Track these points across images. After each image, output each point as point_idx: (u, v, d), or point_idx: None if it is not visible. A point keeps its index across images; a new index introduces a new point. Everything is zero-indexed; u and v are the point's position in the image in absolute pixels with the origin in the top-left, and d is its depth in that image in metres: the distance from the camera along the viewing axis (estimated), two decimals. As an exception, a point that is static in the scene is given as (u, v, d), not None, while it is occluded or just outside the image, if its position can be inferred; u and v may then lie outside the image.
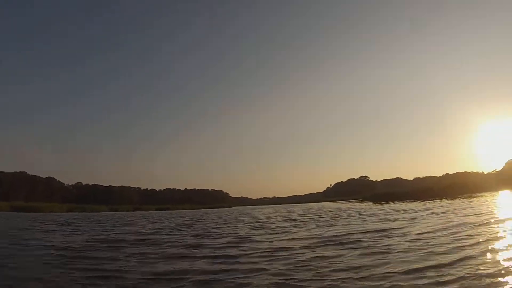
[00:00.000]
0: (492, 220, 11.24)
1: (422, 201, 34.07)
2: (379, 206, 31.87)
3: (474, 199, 28.25)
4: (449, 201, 28.24)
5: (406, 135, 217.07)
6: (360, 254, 6.87)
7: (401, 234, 9.57)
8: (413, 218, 14.72)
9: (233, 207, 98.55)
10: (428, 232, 9.49)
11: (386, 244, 7.94)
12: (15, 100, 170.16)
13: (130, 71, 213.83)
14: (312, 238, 9.94)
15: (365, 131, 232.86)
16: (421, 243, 7.72)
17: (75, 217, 30.55)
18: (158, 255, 7.74)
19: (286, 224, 16.14)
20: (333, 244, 8.45)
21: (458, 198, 33.05)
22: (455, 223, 11.32)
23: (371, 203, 45.53)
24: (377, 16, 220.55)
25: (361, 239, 9.01)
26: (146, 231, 14.58)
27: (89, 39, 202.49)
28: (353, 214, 22.01)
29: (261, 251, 7.89)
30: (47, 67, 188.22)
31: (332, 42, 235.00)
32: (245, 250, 8.13)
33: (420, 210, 20.42)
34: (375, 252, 7.01)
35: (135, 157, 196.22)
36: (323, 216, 21.59)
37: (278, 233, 11.93)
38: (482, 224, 10.43)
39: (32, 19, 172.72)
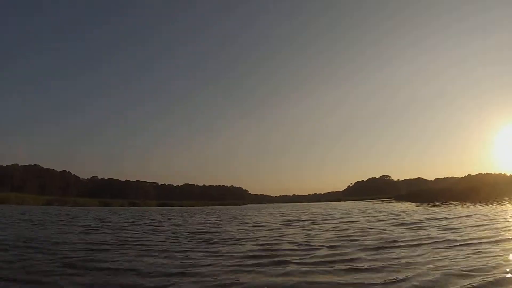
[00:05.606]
0: None
1: (483, 204, 28.00)
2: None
3: None
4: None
5: (425, 135, 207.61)
6: None
7: None
8: None
9: (248, 205, 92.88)
10: None
11: None
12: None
13: (151, 69, 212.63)
14: None
15: (385, 131, 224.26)
16: None
17: None
18: None
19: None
20: None
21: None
22: None
23: (420, 204, 39.22)
24: (402, 15, 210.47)
25: None
26: None
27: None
28: None
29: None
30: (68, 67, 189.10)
31: (361, 40, 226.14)
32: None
33: None
34: None
35: (156, 153, 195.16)
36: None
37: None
38: None
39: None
